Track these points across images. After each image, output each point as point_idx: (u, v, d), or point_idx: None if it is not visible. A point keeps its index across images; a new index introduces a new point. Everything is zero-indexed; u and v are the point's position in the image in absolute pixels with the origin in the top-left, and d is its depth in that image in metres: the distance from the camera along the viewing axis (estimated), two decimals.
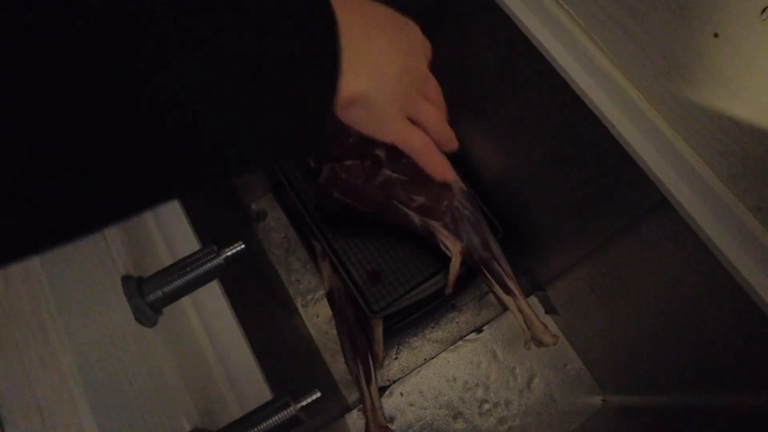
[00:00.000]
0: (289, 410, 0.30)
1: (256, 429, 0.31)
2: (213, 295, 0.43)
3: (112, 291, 0.35)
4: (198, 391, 0.36)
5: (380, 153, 0.82)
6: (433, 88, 0.34)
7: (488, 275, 0.78)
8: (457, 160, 0.85)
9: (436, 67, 0.34)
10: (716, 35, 0.41)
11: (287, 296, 1.10)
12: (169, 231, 0.45)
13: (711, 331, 0.60)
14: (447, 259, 0.80)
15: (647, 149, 0.52)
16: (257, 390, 0.39)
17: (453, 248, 0.78)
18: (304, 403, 0.32)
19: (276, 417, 0.30)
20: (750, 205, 0.47)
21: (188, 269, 0.36)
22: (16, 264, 0.27)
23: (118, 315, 0.34)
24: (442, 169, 0.33)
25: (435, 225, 0.79)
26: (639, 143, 0.53)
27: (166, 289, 0.36)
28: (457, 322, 1.09)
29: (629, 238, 0.65)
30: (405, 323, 0.98)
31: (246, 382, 0.39)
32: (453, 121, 0.34)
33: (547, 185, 0.76)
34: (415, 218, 0.81)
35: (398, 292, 0.85)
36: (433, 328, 1.08)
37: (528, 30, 0.57)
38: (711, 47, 0.42)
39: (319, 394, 0.32)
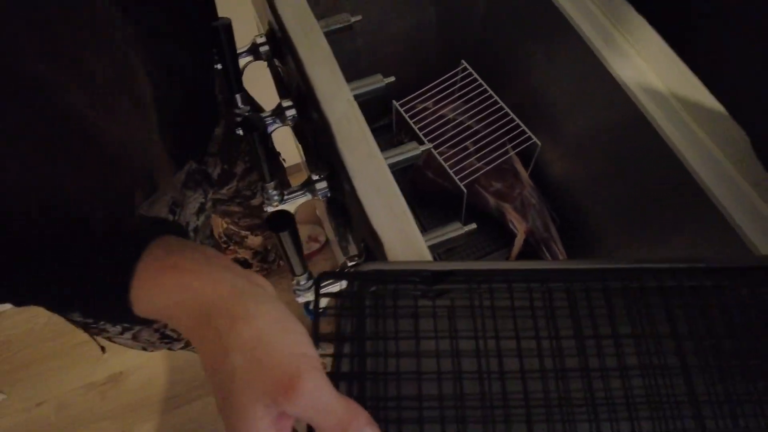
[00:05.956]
0: None
1: None
2: None
3: None
4: None
5: (469, 145, 1.03)
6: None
7: (546, 253, 0.97)
8: (527, 163, 1.04)
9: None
10: None
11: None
12: None
13: None
14: (513, 236, 0.99)
15: (722, 190, 0.57)
16: None
17: (519, 227, 0.98)
18: None
19: None
20: None
21: None
22: None
23: None
24: None
25: (506, 207, 0.99)
26: (715, 185, 0.57)
27: None
28: None
29: None
30: None
31: None
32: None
33: (604, 193, 0.91)
34: (491, 200, 1.01)
35: (467, 260, 1.05)
36: None
37: (608, 63, 0.76)
38: None
39: None
